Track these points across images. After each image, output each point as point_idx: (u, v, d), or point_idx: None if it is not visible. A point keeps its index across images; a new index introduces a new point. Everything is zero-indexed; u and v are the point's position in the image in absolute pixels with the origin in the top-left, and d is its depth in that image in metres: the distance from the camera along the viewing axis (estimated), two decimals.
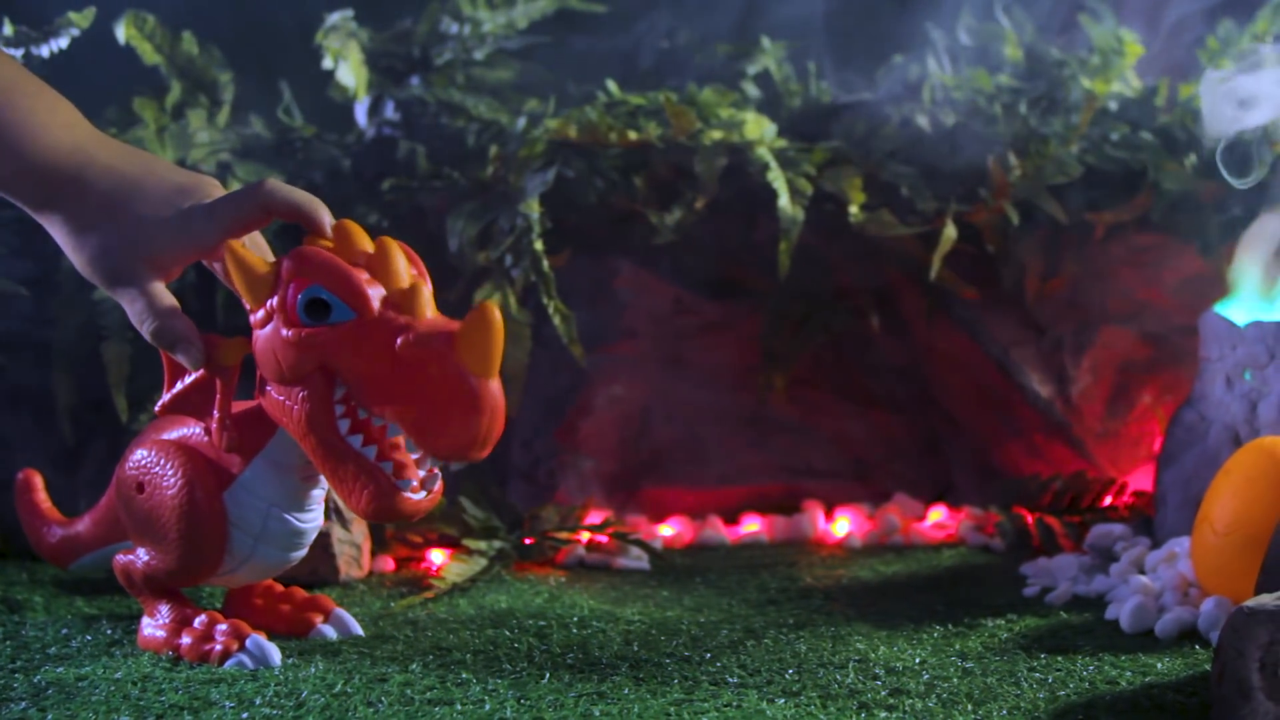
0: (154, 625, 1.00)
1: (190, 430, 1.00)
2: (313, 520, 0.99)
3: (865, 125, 1.47)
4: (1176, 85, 1.52)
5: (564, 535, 1.27)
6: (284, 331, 0.91)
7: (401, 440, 0.91)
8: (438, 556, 1.25)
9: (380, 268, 0.91)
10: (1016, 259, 1.44)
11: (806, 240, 1.43)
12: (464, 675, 0.93)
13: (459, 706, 0.87)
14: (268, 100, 1.51)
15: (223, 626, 0.98)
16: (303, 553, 1.00)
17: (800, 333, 1.41)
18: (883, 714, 0.85)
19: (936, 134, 1.45)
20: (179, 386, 0.97)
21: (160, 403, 0.98)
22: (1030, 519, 1.30)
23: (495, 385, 0.87)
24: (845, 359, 1.46)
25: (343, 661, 0.96)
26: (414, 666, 0.95)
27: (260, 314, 0.93)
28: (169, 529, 0.98)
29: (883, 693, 0.89)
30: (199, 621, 0.98)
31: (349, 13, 1.44)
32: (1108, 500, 1.32)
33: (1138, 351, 1.46)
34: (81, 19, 1.26)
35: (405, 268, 0.93)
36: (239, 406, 0.97)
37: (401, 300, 0.90)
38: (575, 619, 1.07)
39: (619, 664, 0.96)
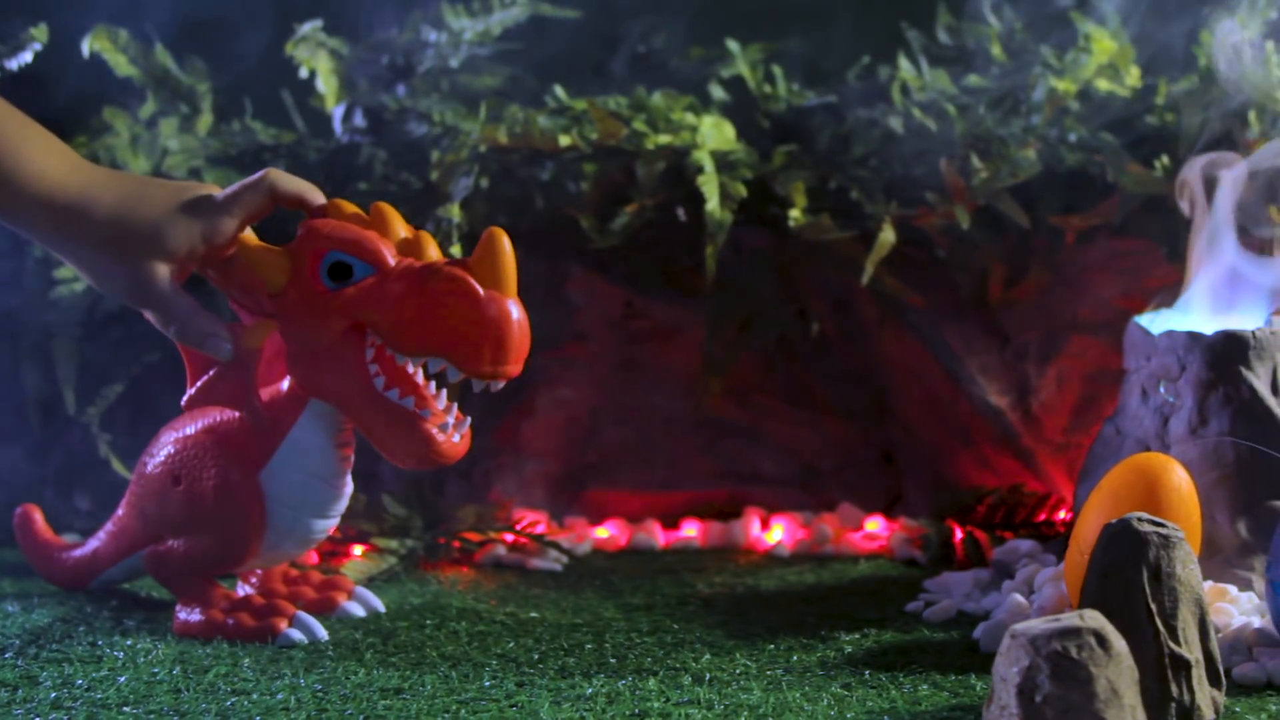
0: (189, 611, 1.04)
1: (215, 418, 1.05)
2: (347, 487, 1.04)
3: (832, 128, 1.44)
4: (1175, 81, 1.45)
5: (476, 536, 1.28)
6: (312, 299, 0.98)
7: (431, 388, 0.98)
8: (358, 553, 1.28)
9: (382, 227, 1.00)
10: (975, 264, 1.39)
11: (755, 244, 1.41)
12: (283, 670, 0.96)
13: (255, 696, 0.90)
14: (260, 108, 1.56)
15: (265, 605, 1.03)
16: (335, 522, 1.05)
17: (742, 337, 1.40)
18: None
19: (902, 136, 1.42)
20: (203, 379, 1.02)
21: (186, 397, 1.03)
22: (960, 532, 1.27)
23: (517, 303, 0.95)
24: (799, 365, 1.44)
25: (184, 652, 1.00)
26: (244, 660, 0.98)
27: (282, 293, 0.99)
28: (211, 515, 1.03)
29: (671, 703, 0.88)
30: (240, 602, 1.03)
31: (318, 23, 1.48)
32: (1043, 515, 1.27)
33: (1111, 361, 1.40)
34: (39, 33, 1.33)
35: (403, 225, 1.01)
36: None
37: (410, 249, 0.99)
38: (434, 620, 1.09)
39: (440, 663, 0.97)
